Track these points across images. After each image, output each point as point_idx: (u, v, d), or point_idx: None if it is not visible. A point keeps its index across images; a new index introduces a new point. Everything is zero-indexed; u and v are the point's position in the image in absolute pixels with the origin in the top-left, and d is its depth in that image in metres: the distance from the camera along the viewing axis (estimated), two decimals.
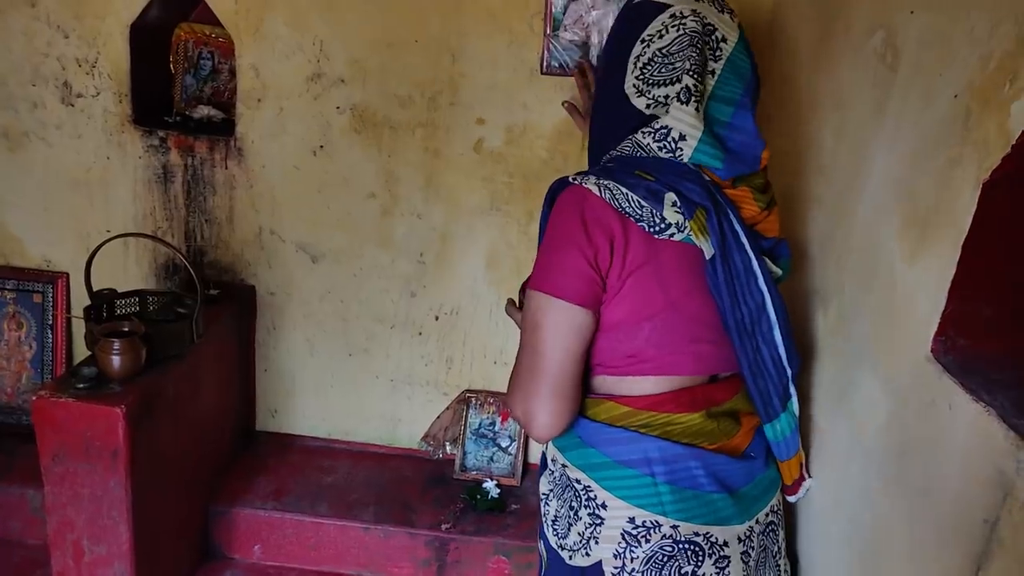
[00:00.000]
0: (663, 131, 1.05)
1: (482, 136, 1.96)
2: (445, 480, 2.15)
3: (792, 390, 1.18)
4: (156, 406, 1.58)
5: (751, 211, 1.11)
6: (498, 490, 2.08)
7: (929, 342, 0.92)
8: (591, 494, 1.10)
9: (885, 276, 1.07)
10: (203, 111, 2.07)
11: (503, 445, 2.16)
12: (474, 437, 2.17)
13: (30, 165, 2.04)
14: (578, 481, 1.12)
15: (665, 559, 1.07)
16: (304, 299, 2.14)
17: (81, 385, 1.49)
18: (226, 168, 2.01)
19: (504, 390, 2.14)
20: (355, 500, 2.04)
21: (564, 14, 1.86)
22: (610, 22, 1.88)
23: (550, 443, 1.19)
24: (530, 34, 1.87)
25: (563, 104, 1.72)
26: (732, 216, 1.07)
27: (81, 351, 2.19)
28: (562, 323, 1.03)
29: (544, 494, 1.21)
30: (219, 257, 2.10)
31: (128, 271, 2.10)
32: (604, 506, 1.09)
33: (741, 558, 1.11)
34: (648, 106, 1.06)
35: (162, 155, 2.01)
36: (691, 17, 1.06)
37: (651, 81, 1.06)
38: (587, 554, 1.10)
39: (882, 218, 1.10)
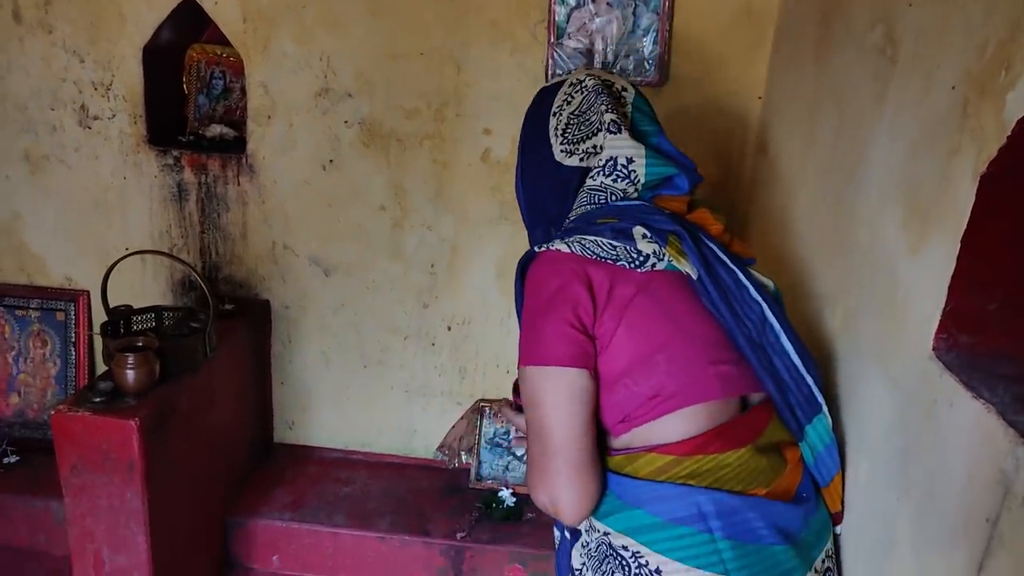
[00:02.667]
0: (610, 163, 1.11)
1: (489, 146, 1.97)
2: (461, 489, 2.15)
3: (820, 400, 1.09)
4: (170, 419, 1.61)
5: (717, 229, 1.13)
6: (514, 499, 2.07)
7: (931, 339, 0.90)
8: (641, 560, 0.98)
9: (888, 272, 1.05)
10: (216, 130, 2.11)
11: (518, 454, 2.16)
12: (489, 446, 2.17)
13: (50, 186, 2.10)
14: (624, 548, 1.00)
15: None
16: (318, 312, 2.16)
17: (97, 399, 1.52)
18: (239, 185, 2.05)
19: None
20: (372, 510, 2.04)
21: (567, 22, 1.86)
22: (614, 29, 1.89)
23: None
24: (533, 43, 1.88)
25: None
26: (703, 236, 1.09)
27: (104, 366, 2.24)
28: (561, 390, 0.99)
29: (576, 570, 1.09)
30: (234, 272, 2.14)
31: (146, 288, 2.14)
32: (658, 571, 0.97)
33: None
34: (581, 159, 1.14)
35: (176, 174, 2.05)
36: (588, 79, 1.18)
37: (575, 140, 1.15)
38: None
39: (884, 212, 1.08)
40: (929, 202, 0.95)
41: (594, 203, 1.12)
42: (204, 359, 1.72)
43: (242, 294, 2.15)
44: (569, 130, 1.15)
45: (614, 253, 1.01)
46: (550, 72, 1.89)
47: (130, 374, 1.52)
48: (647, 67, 1.89)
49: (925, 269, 0.94)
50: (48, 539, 2.00)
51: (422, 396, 2.21)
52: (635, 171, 1.10)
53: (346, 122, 1.98)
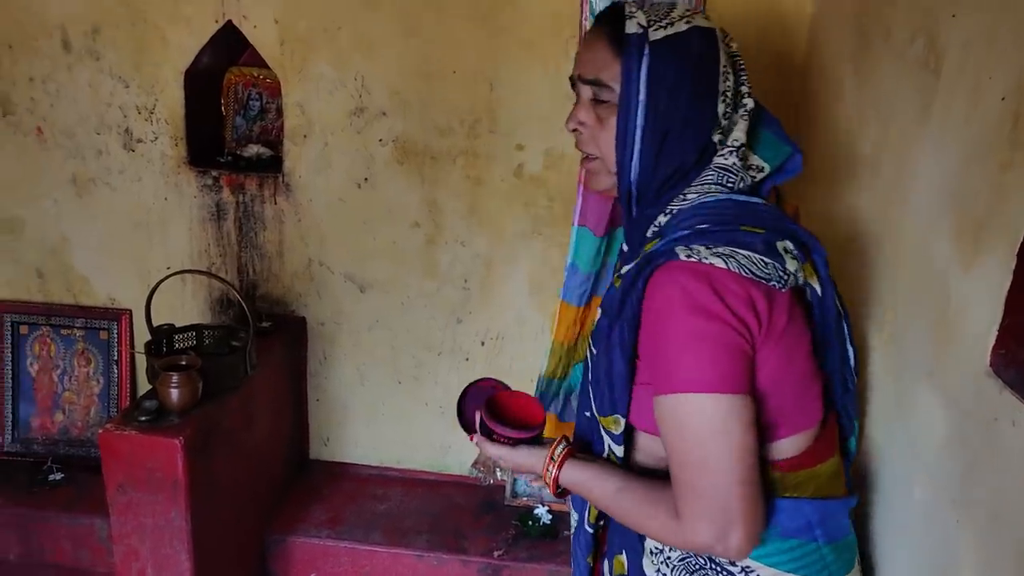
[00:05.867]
0: (743, 148, 0.99)
1: (522, 162, 1.98)
2: (496, 507, 2.14)
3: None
4: (213, 437, 1.63)
5: (791, 209, 1.11)
6: (550, 516, 2.06)
7: (988, 355, 0.88)
8: (752, 575, 0.98)
9: (939, 286, 1.03)
10: (253, 149, 2.15)
11: None
12: None
13: (96, 209, 2.15)
14: (732, 563, 0.98)
15: None
16: (353, 329, 2.18)
17: (143, 418, 1.54)
18: (275, 203, 2.08)
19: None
20: (408, 528, 2.05)
21: None
22: None
23: None
24: (565, 59, 1.89)
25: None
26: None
27: (145, 384, 2.28)
28: (736, 419, 0.89)
29: None
30: (271, 290, 2.17)
31: (185, 306, 2.18)
32: None
33: None
34: (731, 138, 1.00)
35: (215, 194, 2.09)
36: (727, 39, 1.02)
37: (731, 108, 1.00)
38: None
39: (933, 227, 1.06)
40: (981, 216, 0.93)
41: (723, 185, 0.99)
42: (244, 377, 1.74)
43: (279, 311, 2.17)
44: (726, 98, 1.00)
45: (766, 272, 0.91)
46: None
47: (174, 393, 1.55)
48: None
49: (978, 283, 0.92)
50: (91, 556, 2.03)
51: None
52: (763, 163, 1.03)
53: (380, 140, 2.01)
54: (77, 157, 2.12)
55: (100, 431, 1.53)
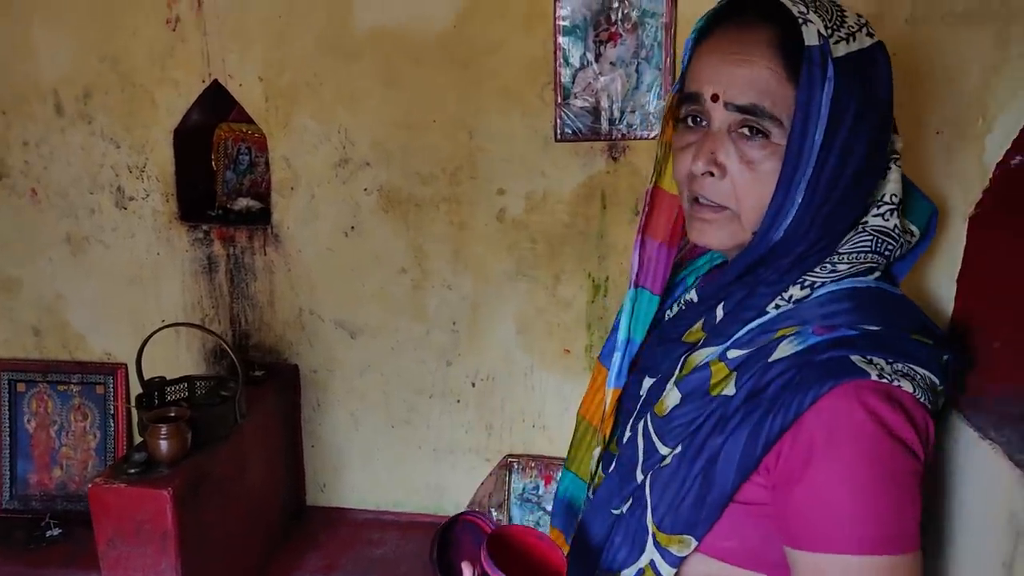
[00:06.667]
0: (900, 205, 0.79)
1: (504, 206, 2.02)
2: None
3: None
4: (203, 487, 1.64)
5: None
6: None
7: None
8: None
9: None
10: (242, 203, 2.21)
11: (548, 509, 2.14)
12: (519, 502, 2.16)
13: (90, 266, 2.21)
14: None
15: None
16: (346, 375, 2.20)
17: (132, 471, 1.57)
18: (265, 255, 2.13)
19: (545, 453, 2.15)
20: (404, 573, 2.04)
21: (573, 83, 1.93)
22: (619, 87, 1.94)
23: None
24: (542, 105, 1.95)
25: None
26: None
27: (140, 437, 2.30)
28: None
29: None
30: (263, 339, 2.20)
31: (180, 358, 2.21)
32: None
33: None
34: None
35: (206, 247, 2.14)
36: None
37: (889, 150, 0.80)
38: None
39: None
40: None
41: (880, 255, 0.79)
42: (235, 426, 1.76)
43: (271, 360, 2.20)
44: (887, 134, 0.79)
45: (935, 397, 0.76)
46: (559, 131, 1.95)
47: (163, 444, 1.57)
48: (652, 121, 1.94)
49: (927, 309, 0.95)
50: None
51: (450, 454, 2.23)
52: (913, 231, 0.84)
53: (365, 190, 2.06)
54: (71, 216, 2.18)
55: (90, 485, 1.55)
